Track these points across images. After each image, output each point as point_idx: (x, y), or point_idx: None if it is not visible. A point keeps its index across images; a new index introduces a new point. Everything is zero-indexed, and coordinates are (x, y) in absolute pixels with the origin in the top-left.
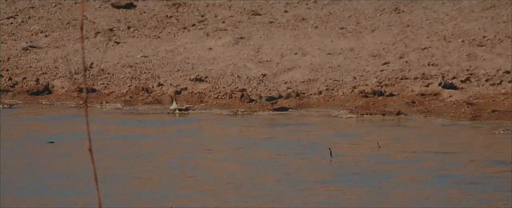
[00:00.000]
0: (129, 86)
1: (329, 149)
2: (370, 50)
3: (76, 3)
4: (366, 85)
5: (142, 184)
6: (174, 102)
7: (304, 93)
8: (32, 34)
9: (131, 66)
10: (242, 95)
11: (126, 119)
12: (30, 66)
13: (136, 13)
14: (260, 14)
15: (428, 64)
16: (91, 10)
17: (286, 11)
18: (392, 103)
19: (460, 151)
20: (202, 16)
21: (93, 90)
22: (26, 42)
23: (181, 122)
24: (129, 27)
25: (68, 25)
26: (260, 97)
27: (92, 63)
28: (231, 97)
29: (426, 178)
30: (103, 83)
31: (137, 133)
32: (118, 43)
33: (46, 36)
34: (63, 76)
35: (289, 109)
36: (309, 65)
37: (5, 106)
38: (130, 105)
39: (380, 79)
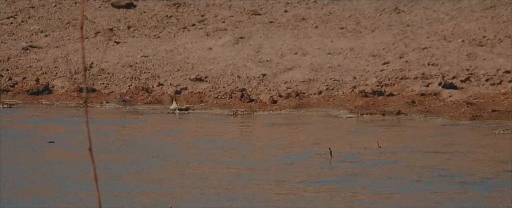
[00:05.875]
0: (129, 86)
1: (329, 149)
2: (370, 50)
3: (76, 3)
4: (366, 85)
5: (142, 184)
6: (174, 101)
7: (304, 93)
8: (32, 34)
9: (131, 66)
10: (242, 95)
11: (126, 119)
12: (30, 66)
13: (136, 13)
14: (260, 14)
15: (428, 64)
16: (91, 10)
17: (286, 11)
18: (392, 103)
19: (460, 151)
20: (202, 16)
21: (93, 90)
22: (26, 42)
23: (181, 122)
24: (129, 27)
25: (68, 25)
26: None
27: (92, 63)
28: (231, 97)
29: (426, 178)
30: (103, 83)
31: (137, 132)
32: (118, 43)
33: (46, 36)
34: (63, 76)
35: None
36: (309, 65)
37: (5, 106)
38: (130, 104)
39: (380, 79)
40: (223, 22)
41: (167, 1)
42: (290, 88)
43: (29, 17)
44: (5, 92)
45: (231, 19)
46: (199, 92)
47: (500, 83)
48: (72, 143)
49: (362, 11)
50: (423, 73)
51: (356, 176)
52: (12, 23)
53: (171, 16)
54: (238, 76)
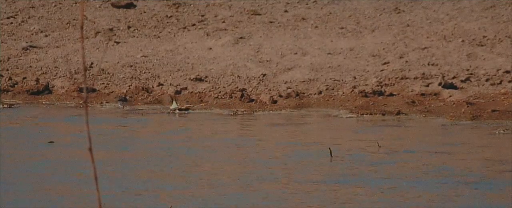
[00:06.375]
0: (129, 86)
1: (329, 149)
2: (370, 50)
3: (76, 3)
4: (366, 85)
5: (142, 184)
6: (174, 102)
7: (304, 93)
8: (32, 34)
9: (131, 66)
10: (242, 95)
11: (126, 119)
12: (30, 66)
13: (136, 13)
14: (260, 14)
15: (428, 64)
16: (91, 10)
17: (286, 11)
18: (392, 103)
19: (460, 151)
20: (202, 16)
21: (93, 90)
22: (26, 42)
23: (181, 122)
24: (129, 27)
25: (68, 25)
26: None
27: (92, 63)
28: (231, 97)
29: (426, 178)
30: (103, 83)
31: (137, 132)
32: (118, 43)
33: (46, 36)
34: (63, 76)
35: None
36: (309, 65)
37: (5, 106)
38: (130, 104)
39: (380, 79)
40: (223, 22)
41: (167, 1)
42: (290, 88)
43: (29, 17)
44: (5, 92)
45: (231, 19)
46: (199, 92)
47: (500, 83)
48: (72, 143)
49: (362, 11)
50: (423, 73)
51: (356, 176)
52: (12, 23)
53: (171, 16)
54: (238, 76)
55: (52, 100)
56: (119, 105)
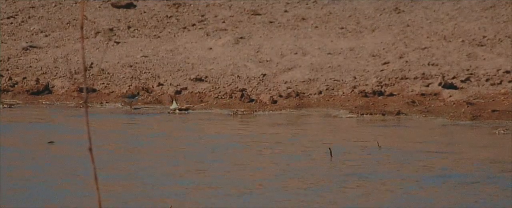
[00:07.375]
0: (129, 86)
1: (329, 149)
2: (370, 50)
3: (76, 3)
4: (366, 85)
5: (142, 184)
6: (174, 101)
7: (304, 93)
8: (32, 34)
9: (131, 66)
10: (242, 95)
11: (126, 119)
12: (30, 66)
13: (136, 13)
14: (260, 14)
15: (428, 64)
16: (91, 10)
17: (286, 11)
18: (392, 103)
19: (460, 151)
20: (202, 16)
21: (93, 90)
22: (26, 42)
23: (181, 122)
24: (129, 27)
25: (68, 25)
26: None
27: (92, 63)
28: (231, 97)
29: (426, 178)
30: (103, 83)
31: (137, 132)
32: (118, 43)
33: (46, 36)
34: (63, 76)
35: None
36: (309, 65)
37: (5, 106)
38: (130, 104)
39: (380, 79)
40: (223, 22)
41: (167, 1)
42: (290, 88)
43: (29, 17)
44: (5, 92)
45: (231, 19)
46: (199, 92)
47: (500, 83)
48: (72, 143)
49: (362, 11)
50: (423, 73)
51: (356, 175)
52: (12, 23)
53: (171, 16)
54: (238, 76)
55: (52, 100)
56: (120, 104)
